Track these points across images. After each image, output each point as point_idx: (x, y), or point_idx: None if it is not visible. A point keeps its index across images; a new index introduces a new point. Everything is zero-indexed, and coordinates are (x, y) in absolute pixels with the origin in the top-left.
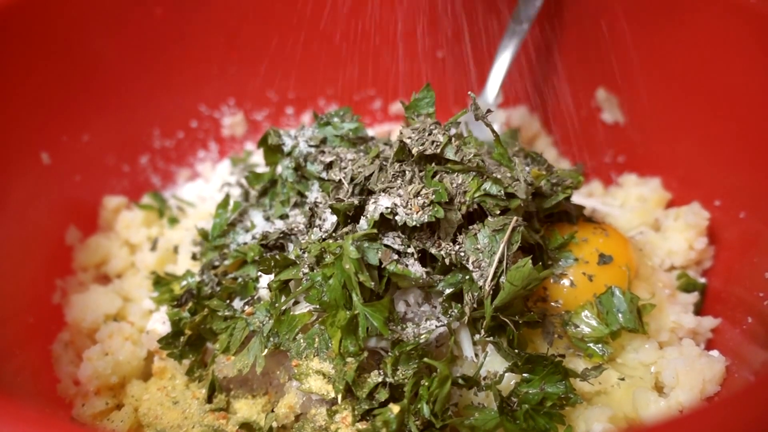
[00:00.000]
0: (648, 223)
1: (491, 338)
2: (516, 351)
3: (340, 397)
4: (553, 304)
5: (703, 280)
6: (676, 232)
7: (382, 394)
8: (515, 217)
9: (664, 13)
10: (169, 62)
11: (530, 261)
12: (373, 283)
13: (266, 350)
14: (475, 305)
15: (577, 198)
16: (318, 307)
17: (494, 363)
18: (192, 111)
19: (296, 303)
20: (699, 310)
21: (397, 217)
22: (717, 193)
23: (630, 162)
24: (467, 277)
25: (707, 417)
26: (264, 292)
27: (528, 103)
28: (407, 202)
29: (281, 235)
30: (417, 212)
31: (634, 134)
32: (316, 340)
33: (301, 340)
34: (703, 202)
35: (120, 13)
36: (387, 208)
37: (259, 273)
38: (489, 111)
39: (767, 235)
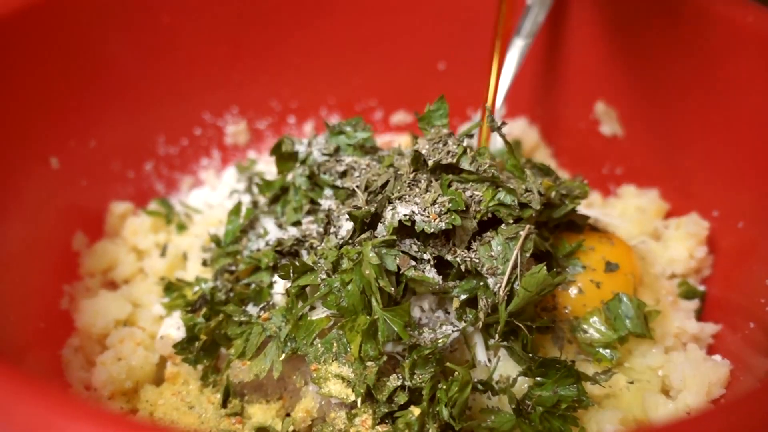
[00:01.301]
0: (647, 233)
1: (505, 343)
2: (530, 355)
3: (359, 400)
4: (562, 310)
5: (702, 288)
6: (676, 242)
7: (401, 398)
8: (528, 226)
9: (663, 29)
10: (174, 69)
11: (545, 267)
12: (392, 289)
13: (283, 355)
14: (489, 311)
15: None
16: (335, 312)
17: (507, 367)
18: (196, 118)
19: (313, 308)
20: (699, 316)
21: (415, 225)
22: (715, 204)
23: (628, 173)
24: (481, 283)
25: (714, 419)
26: (278, 298)
27: (528, 114)
28: (424, 209)
29: (295, 241)
30: (434, 219)
31: (633, 146)
32: (335, 344)
33: (319, 345)
34: (701, 213)
35: (127, 21)
36: (405, 215)
37: (274, 279)
38: (504, 123)
39: (765, 243)
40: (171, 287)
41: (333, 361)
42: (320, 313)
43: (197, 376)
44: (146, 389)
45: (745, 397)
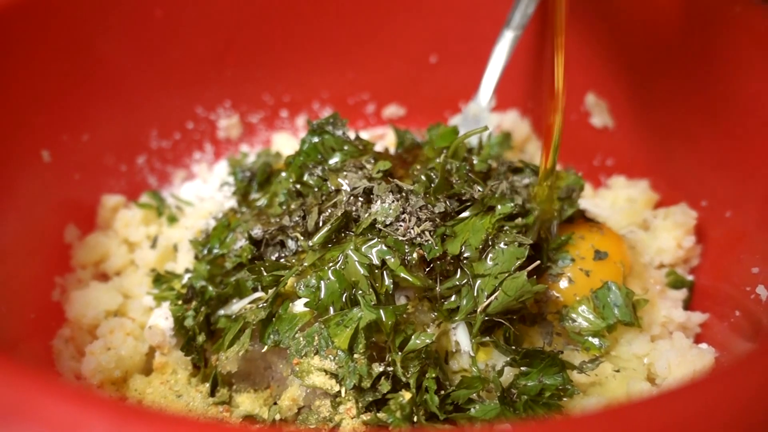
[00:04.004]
0: (637, 223)
1: (487, 338)
2: (513, 347)
3: (344, 390)
4: (553, 300)
5: (691, 278)
6: (665, 231)
7: (385, 386)
8: (528, 241)
9: (651, 20)
10: (167, 64)
11: (525, 274)
12: (386, 282)
13: (266, 347)
14: (472, 309)
15: None
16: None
17: (493, 357)
18: (189, 112)
19: (295, 301)
20: (687, 306)
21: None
22: (703, 194)
23: (619, 165)
24: (465, 281)
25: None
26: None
27: (519, 107)
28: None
29: (279, 231)
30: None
31: (623, 138)
32: (316, 338)
33: (301, 339)
34: (690, 203)
35: (120, 15)
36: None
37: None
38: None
39: (753, 232)
40: (160, 279)
41: (314, 354)
42: (302, 307)
43: (185, 366)
44: (135, 378)
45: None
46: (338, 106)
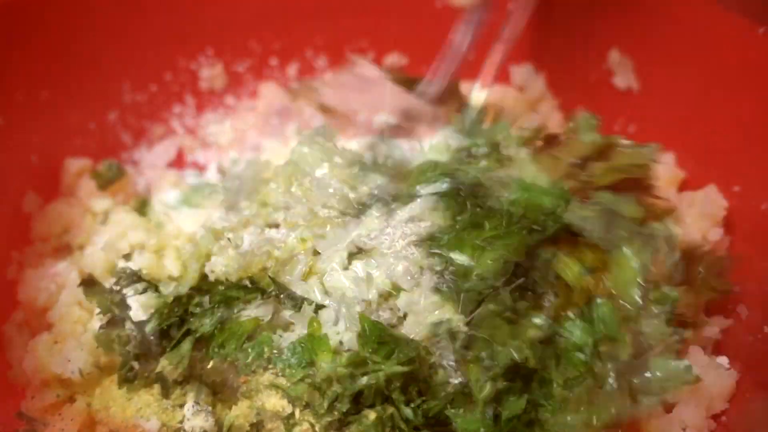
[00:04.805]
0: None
1: (471, 353)
2: (496, 363)
3: (297, 411)
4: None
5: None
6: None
7: (344, 405)
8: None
9: (647, 24)
10: (163, 62)
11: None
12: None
13: (211, 362)
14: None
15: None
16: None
17: (476, 372)
18: (169, 64)
19: (243, 309)
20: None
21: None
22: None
23: (641, 130)
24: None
25: None
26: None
27: (533, 61)
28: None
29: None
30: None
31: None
32: (266, 349)
33: (249, 350)
34: (675, 220)
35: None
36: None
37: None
38: None
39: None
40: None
41: (264, 371)
42: (250, 314)
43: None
44: (85, 378)
45: None
46: (333, 54)
